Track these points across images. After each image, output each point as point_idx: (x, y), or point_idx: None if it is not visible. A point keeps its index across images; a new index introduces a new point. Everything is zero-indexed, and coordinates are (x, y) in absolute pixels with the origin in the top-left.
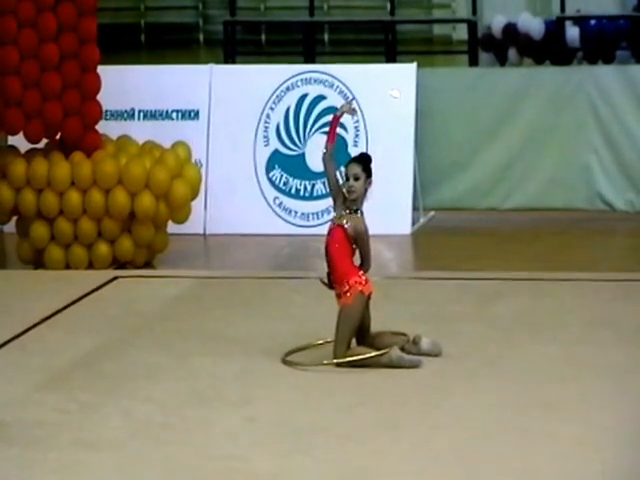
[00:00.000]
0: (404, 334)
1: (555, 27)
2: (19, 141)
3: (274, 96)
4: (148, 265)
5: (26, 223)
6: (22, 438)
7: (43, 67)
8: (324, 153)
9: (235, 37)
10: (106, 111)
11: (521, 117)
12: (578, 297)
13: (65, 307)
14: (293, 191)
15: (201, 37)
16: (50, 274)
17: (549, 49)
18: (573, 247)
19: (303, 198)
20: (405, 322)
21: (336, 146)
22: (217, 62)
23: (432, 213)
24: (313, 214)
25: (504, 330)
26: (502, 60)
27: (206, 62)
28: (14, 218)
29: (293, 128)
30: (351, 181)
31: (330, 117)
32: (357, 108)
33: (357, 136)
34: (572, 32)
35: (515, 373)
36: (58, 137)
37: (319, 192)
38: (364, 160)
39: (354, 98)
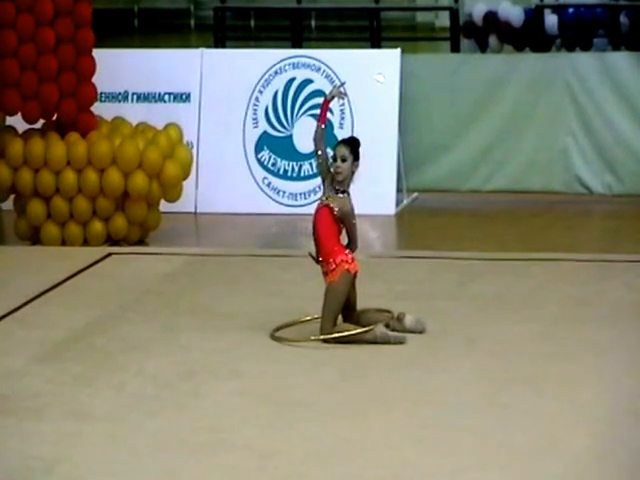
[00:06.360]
0: (388, 311)
1: (534, 15)
2: (17, 122)
3: (263, 80)
4: (141, 242)
5: (23, 201)
6: (18, 409)
7: (40, 50)
8: (315, 134)
9: (225, 23)
10: (101, 93)
11: (501, 102)
12: (556, 277)
13: (61, 282)
14: (281, 171)
15: (192, 22)
16: (46, 250)
17: (528, 36)
18: (551, 228)
19: (291, 178)
20: (389, 300)
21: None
22: (208, 47)
23: (415, 194)
24: (301, 194)
25: (485, 308)
26: (483, 47)
27: (197, 47)
28: (12, 196)
29: (281, 110)
30: (338, 162)
31: (317, 100)
32: (344, 91)
33: (343, 119)
34: (551, 20)
35: (495, 350)
36: (54, 118)
37: (306, 172)
38: (352, 143)
39: (344, 83)
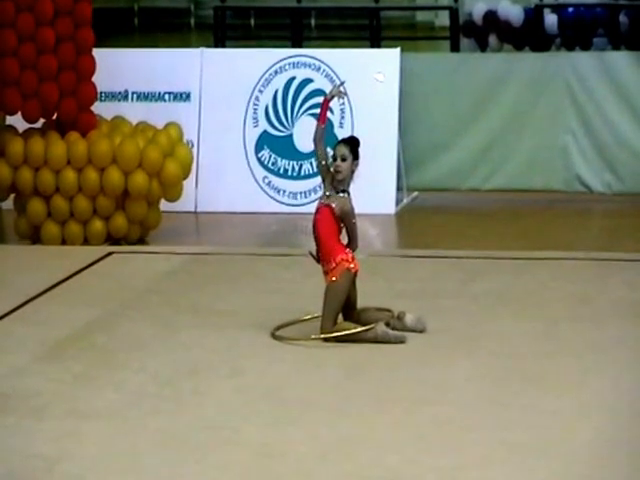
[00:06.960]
0: (389, 310)
1: (534, 14)
2: (17, 121)
3: (263, 79)
4: (141, 241)
5: (24, 200)
6: (19, 407)
7: (40, 49)
8: (315, 133)
9: (225, 22)
10: (101, 92)
11: (501, 101)
12: (557, 275)
13: (62, 281)
14: (281, 171)
15: (192, 22)
16: (47, 249)
17: (528, 36)
18: (552, 227)
19: (291, 177)
20: (390, 298)
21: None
22: (208, 46)
23: (415, 193)
24: (301, 193)
25: (485, 306)
26: (483, 46)
27: (197, 46)
28: (12, 195)
29: (281, 110)
30: (338, 161)
31: (317, 99)
32: (344, 90)
33: (343, 118)
34: (550, 19)
35: (496, 348)
36: (54, 117)
37: (307, 172)
38: (352, 142)
39: (343, 82)
